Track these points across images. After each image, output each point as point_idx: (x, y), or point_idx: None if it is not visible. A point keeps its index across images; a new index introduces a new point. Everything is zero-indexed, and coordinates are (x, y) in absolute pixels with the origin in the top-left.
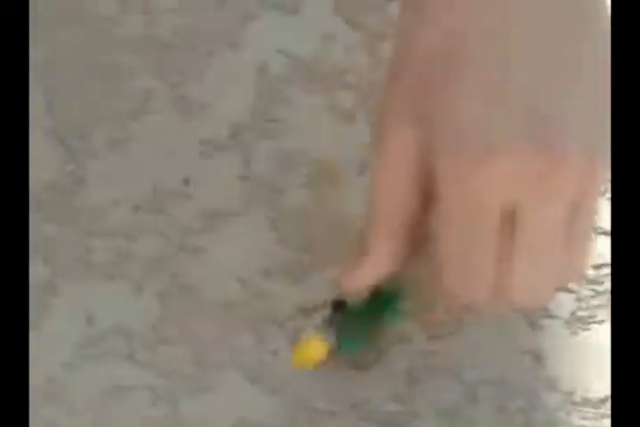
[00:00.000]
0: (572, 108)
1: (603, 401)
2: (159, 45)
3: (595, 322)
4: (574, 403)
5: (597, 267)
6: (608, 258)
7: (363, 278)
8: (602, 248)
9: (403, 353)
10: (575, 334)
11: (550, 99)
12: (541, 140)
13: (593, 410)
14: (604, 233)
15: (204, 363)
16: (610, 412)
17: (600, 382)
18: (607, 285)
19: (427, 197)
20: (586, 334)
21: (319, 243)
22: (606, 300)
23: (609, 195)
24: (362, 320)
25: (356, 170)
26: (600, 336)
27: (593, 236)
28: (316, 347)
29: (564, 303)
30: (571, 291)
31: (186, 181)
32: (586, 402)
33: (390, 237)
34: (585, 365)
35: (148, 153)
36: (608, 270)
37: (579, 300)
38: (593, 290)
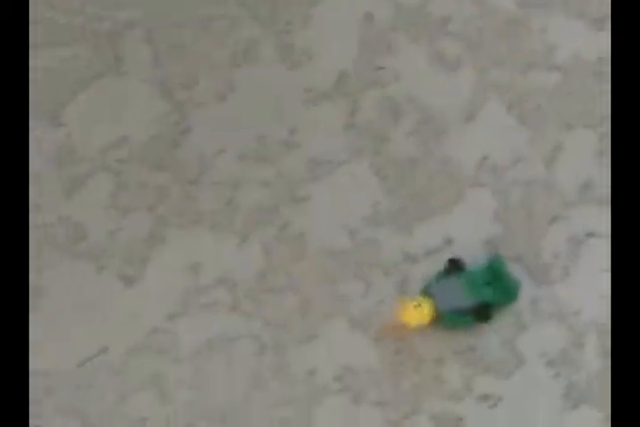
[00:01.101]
0: None
1: None
2: None
3: None
4: None
5: None
6: None
7: None
8: None
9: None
10: None
11: None
12: None
13: None
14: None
15: (309, 312)
16: None
17: None
18: None
19: None
20: None
21: (425, 191)
22: None
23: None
24: (474, 286)
25: (462, 117)
26: None
27: None
28: (421, 313)
29: None
30: None
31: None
32: None
33: None
34: None
35: (252, 102)
36: None
37: None
38: None
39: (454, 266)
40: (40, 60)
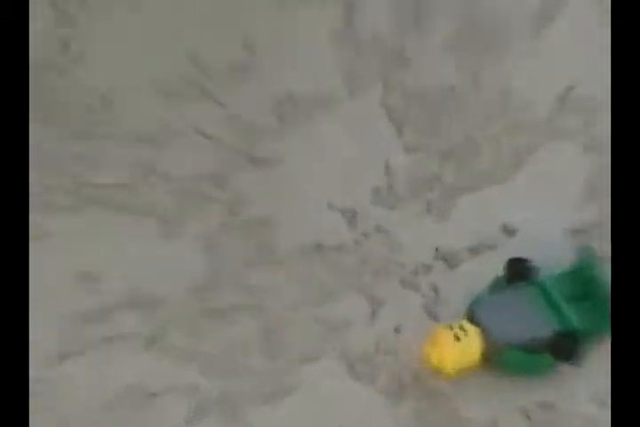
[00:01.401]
0: None
1: None
2: None
3: None
4: None
5: None
6: None
7: None
8: None
9: None
10: None
11: None
12: None
13: None
14: None
15: (280, 349)
16: None
17: None
18: None
19: None
20: None
21: (470, 146)
22: None
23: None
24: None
25: (528, 24)
26: None
27: None
28: (463, 349)
29: None
30: None
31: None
32: None
33: None
34: None
35: (184, 4)
36: None
37: None
38: None
39: (519, 271)
40: None
